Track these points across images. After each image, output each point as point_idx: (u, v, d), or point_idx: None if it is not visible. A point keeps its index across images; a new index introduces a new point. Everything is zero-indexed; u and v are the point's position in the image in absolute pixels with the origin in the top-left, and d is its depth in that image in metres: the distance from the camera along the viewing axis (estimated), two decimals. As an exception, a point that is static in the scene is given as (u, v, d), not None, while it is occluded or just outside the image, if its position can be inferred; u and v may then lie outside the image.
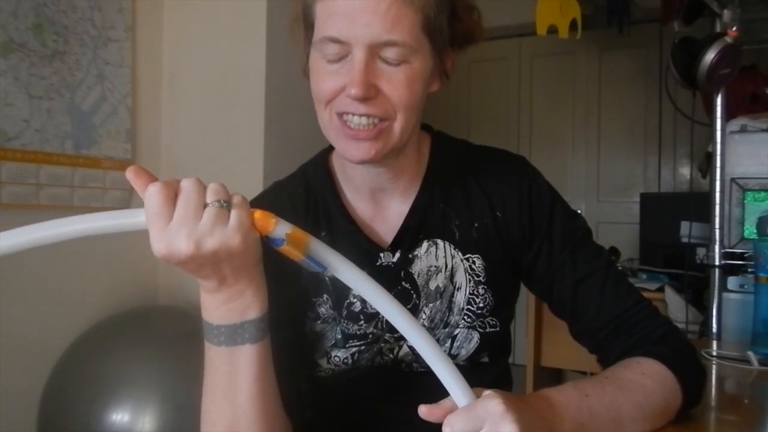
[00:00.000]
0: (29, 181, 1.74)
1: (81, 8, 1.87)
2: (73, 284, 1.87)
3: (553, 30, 2.37)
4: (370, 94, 0.68)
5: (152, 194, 0.54)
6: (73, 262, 1.87)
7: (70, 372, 1.70)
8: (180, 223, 0.54)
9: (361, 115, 0.69)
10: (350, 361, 0.79)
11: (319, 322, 0.79)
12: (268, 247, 0.59)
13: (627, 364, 0.74)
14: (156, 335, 1.75)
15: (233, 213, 0.55)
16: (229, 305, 0.61)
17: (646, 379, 0.72)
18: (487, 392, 0.59)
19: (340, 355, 0.79)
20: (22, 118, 1.73)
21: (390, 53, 0.68)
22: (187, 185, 0.55)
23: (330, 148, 0.87)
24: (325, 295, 0.79)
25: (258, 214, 0.56)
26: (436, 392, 0.81)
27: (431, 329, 0.80)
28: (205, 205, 0.54)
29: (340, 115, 0.70)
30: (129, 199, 2.02)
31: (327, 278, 0.79)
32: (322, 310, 0.79)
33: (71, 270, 1.87)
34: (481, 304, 0.80)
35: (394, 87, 0.69)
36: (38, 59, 1.76)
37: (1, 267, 1.68)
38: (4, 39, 1.68)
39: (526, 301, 2.16)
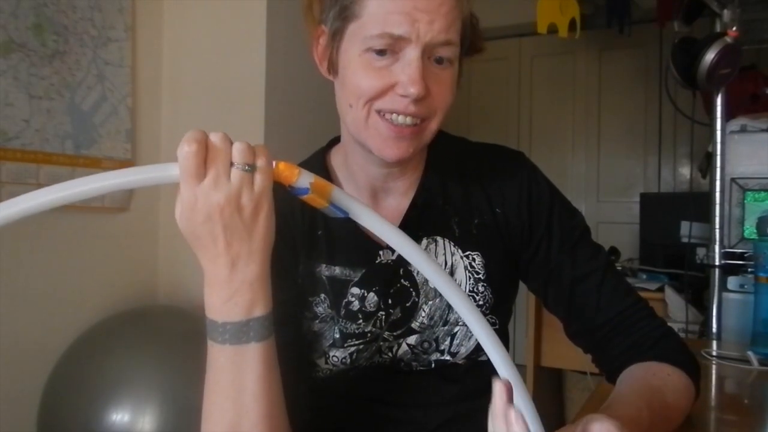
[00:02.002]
0: (29, 181, 1.73)
1: (81, 8, 1.87)
2: (73, 284, 1.87)
3: (553, 29, 2.37)
4: (426, 93, 0.68)
5: (188, 157, 0.56)
6: (73, 262, 1.87)
7: (70, 372, 1.70)
8: (214, 181, 0.56)
9: (407, 115, 0.69)
10: (349, 360, 0.78)
11: (316, 321, 0.79)
12: None
13: (663, 378, 0.73)
14: (156, 335, 1.75)
15: (257, 179, 0.58)
16: (236, 299, 0.60)
17: (681, 400, 0.73)
18: (597, 416, 0.54)
19: (338, 354, 0.78)
20: (22, 118, 1.73)
21: (444, 53, 0.69)
22: (218, 145, 0.57)
23: (328, 147, 0.87)
24: (323, 294, 0.78)
25: (282, 165, 0.59)
26: (436, 392, 0.81)
27: (430, 327, 0.80)
28: (232, 164, 0.57)
29: (381, 113, 0.70)
30: (129, 199, 2.02)
31: (324, 277, 0.78)
32: (320, 309, 0.79)
33: (71, 270, 1.87)
34: (480, 302, 0.80)
35: (441, 89, 0.70)
36: (38, 59, 1.76)
37: (1, 267, 1.68)
38: (4, 39, 1.68)
39: (526, 300, 2.16)
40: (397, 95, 0.68)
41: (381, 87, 0.69)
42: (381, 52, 0.68)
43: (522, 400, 0.53)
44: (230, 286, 0.59)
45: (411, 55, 0.67)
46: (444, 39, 0.68)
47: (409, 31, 0.66)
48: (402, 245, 0.59)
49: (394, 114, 0.69)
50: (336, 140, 0.86)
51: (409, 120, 0.70)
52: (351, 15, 0.70)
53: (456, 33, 0.70)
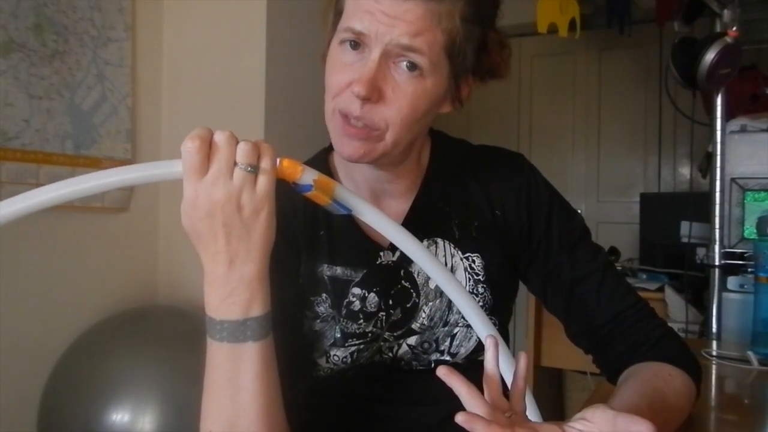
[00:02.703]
0: (29, 181, 1.73)
1: (81, 8, 1.87)
2: (73, 284, 1.87)
3: (553, 29, 2.37)
4: (372, 96, 0.67)
5: (190, 153, 0.56)
6: (73, 262, 1.87)
7: (70, 372, 1.70)
8: (215, 178, 0.57)
9: (355, 118, 0.69)
10: (349, 360, 0.78)
11: (318, 321, 0.79)
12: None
13: (665, 380, 0.73)
14: (156, 335, 1.75)
15: (260, 180, 0.58)
16: (234, 298, 0.60)
17: (682, 401, 0.73)
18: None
19: (339, 354, 0.78)
20: (22, 118, 1.73)
21: (413, 58, 0.67)
22: (221, 143, 0.57)
23: (330, 147, 0.87)
24: (324, 294, 0.79)
25: (286, 162, 0.60)
26: (436, 391, 0.81)
27: (430, 328, 0.80)
28: (235, 163, 0.57)
29: (340, 113, 0.70)
30: (129, 199, 2.02)
31: (326, 277, 0.79)
32: (321, 309, 0.79)
33: (71, 270, 1.86)
34: (480, 303, 0.80)
35: (397, 97, 0.68)
36: (38, 59, 1.76)
37: (1, 267, 1.68)
38: (4, 39, 1.68)
39: (526, 301, 2.16)
40: (352, 94, 0.68)
41: (341, 83, 0.69)
42: (353, 45, 0.69)
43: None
44: (228, 284, 0.60)
45: (372, 54, 0.67)
46: (406, 44, 0.66)
47: (369, 28, 0.67)
48: (403, 241, 0.60)
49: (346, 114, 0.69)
50: None
51: (360, 124, 0.69)
52: (339, 11, 0.72)
53: (425, 45, 0.67)
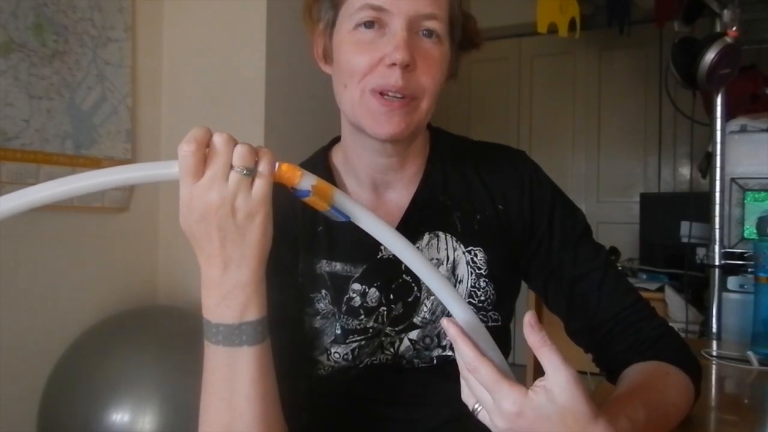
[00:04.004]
0: (29, 181, 1.73)
1: (81, 8, 1.87)
2: (73, 284, 1.87)
3: (553, 29, 2.37)
4: (411, 62, 0.70)
5: (186, 155, 0.56)
6: (73, 262, 1.87)
7: (70, 372, 1.70)
8: (210, 181, 0.57)
9: (396, 90, 0.70)
10: (350, 356, 0.78)
11: (318, 318, 0.79)
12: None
13: (663, 378, 0.73)
14: (156, 335, 1.75)
15: (256, 184, 0.58)
16: (228, 302, 0.60)
17: (679, 398, 0.73)
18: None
19: (340, 351, 0.78)
20: (22, 118, 1.73)
21: (430, 25, 0.71)
22: (219, 146, 0.57)
23: (330, 146, 0.87)
24: (324, 291, 0.78)
25: (285, 166, 0.59)
26: (437, 390, 0.81)
27: (432, 321, 0.80)
28: (231, 166, 0.57)
29: (374, 92, 0.71)
30: (129, 199, 2.02)
31: (325, 273, 0.78)
32: (321, 305, 0.78)
33: (71, 270, 1.86)
34: (482, 297, 0.80)
35: (429, 64, 0.71)
36: (38, 59, 1.76)
37: (0, 267, 1.68)
38: (4, 39, 1.68)
39: (526, 299, 2.16)
40: (385, 68, 0.70)
41: (370, 62, 0.70)
42: (368, 24, 0.70)
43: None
44: (223, 287, 0.60)
45: (396, 26, 0.69)
46: (429, 12, 0.70)
47: (390, 3, 0.69)
48: (404, 251, 0.59)
49: (384, 90, 0.71)
50: (337, 139, 0.86)
51: (399, 95, 0.70)
52: (340, 1, 0.73)
53: (443, 9, 0.72)
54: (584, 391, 0.56)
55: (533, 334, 0.57)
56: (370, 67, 0.70)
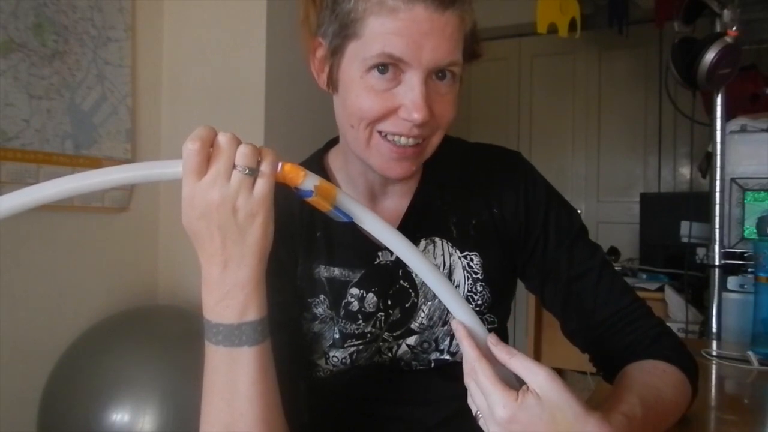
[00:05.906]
0: (29, 181, 1.73)
1: (81, 8, 1.87)
2: (73, 284, 1.87)
3: (553, 29, 2.37)
4: (429, 115, 0.67)
5: (190, 154, 0.56)
6: (72, 262, 1.87)
7: (70, 372, 1.70)
8: (212, 180, 0.57)
9: (410, 137, 0.68)
10: (349, 360, 0.78)
11: (316, 322, 0.79)
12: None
13: (659, 375, 0.73)
14: (156, 335, 1.75)
15: (258, 183, 0.58)
16: (228, 302, 0.60)
17: (675, 396, 0.72)
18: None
19: (338, 355, 0.78)
20: (22, 118, 1.73)
21: (448, 73, 0.68)
22: (223, 145, 0.57)
23: (326, 148, 0.87)
24: (322, 296, 0.78)
25: (288, 167, 0.59)
26: (435, 390, 0.81)
27: (430, 327, 0.80)
28: (234, 166, 0.57)
29: (383, 134, 0.69)
30: (129, 199, 2.02)
31: (323, 278, 0.78)
32: (320, 310, 0.79)
33: (71, 270, 1.87)
34: (479, 302, 0.80)
35: (444, 107, 0.69)
36: (38, 59, 1.76)
37: (0, 267, 1.68)
38: (4, 39, 1.68)
39: (526, 300, 2.15)
40: (399, 119, 0.67)
41: (383, 110, 0.67)
42: (382, 70, 0.66)
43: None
44: (223, 286, 0.60)
45: (414, 79, 0.66)
46: (449, 62, 0.66)
47: (411, 56, 0.64)
48: (406, 252, 0.59)
49: (396, 136, 0.69)
50: (333, 141, 0.86)
51: (411, 141, 0.69)
52: (352, 34, 0.67)
53: (459, 53, 0.68)
54: (567, 386, 0.57)
55: (498, 351, 0.59)
56: (383, 116, 0.68)
